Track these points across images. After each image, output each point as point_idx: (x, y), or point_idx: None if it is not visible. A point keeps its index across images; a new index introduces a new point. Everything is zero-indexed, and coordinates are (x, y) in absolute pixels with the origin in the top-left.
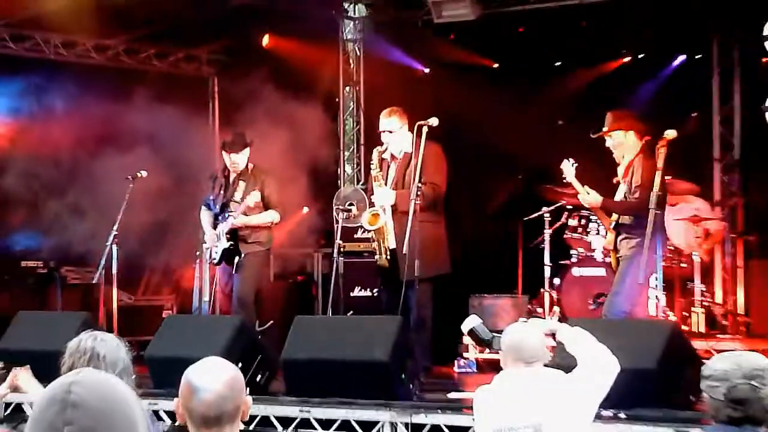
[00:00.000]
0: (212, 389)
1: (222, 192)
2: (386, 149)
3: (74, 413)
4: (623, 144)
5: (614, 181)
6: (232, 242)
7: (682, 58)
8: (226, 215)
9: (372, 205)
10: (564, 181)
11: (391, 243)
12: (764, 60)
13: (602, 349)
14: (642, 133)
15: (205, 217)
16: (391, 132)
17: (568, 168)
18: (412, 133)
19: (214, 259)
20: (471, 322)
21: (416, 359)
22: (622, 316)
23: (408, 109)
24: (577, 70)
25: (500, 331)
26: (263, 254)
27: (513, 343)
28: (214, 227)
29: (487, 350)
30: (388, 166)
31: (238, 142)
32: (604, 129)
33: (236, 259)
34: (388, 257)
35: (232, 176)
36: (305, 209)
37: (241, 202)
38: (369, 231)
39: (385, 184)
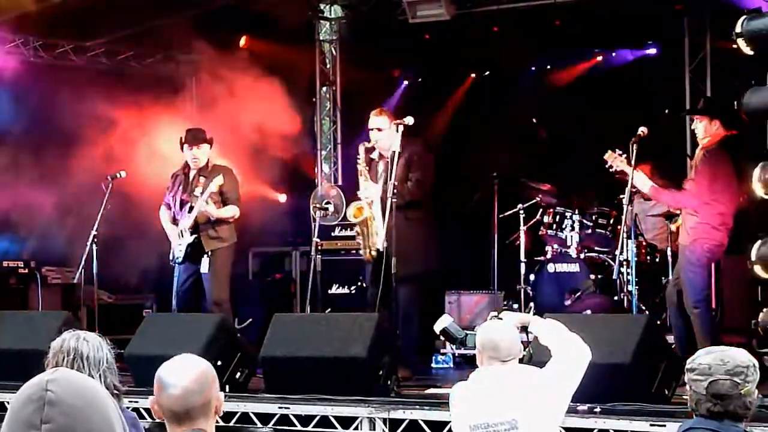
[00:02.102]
0: (179, 384)
1: (181, 188)
2: (373, 146)
3: (51, 411)
4: (705, 130)
5: (690, 164)
6: (196, 236)
7: (653, 51)
8: (187, 210)
9: (358, 199)
10: (612, 171)
11: (379, 242)
12: (732, 46)
13: (574, 338)
14: (729, 125)
15: (165, 216)
16: (380, 130)
17: (614, 159)
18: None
19: (178, 258)
20: (443, 321)
21: (396, 355)
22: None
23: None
24: (551, 69)
25: (474, 328)
26: (228, 251)
27: (487, 342)
28: (175, 225)
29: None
30: (377, 165)
31: (198, 137)
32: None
33: (203, 258)
34: (374, 254)
35: (192, 173)
36: (283, 197)
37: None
38: (353, 224)
39: (375, 182)
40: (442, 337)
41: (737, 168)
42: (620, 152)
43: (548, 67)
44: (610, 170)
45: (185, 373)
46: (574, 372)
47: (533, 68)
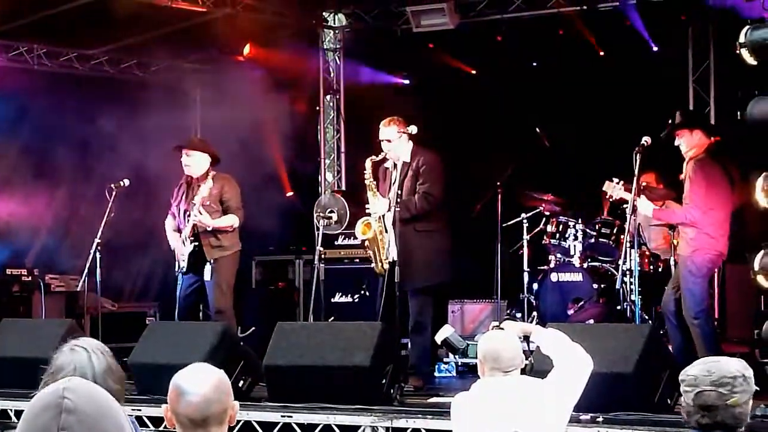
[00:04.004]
0: (198, 392)
1: (183, 197)
2: (383, 158)
3: (69, 418)
4: (688, 143)
5: (680, 177)
6: (196, 243)
7: (657, 60)
8: (187, 218)
9: (367, 214)
10: (611, 200)
11: (392, 253)
12: (736, 48)
13: (576, 349)
14: (711, 133)
15: (170, 225)
16: (389, 141)
17: (613, 188)
18: (412, 142)
19: (183, 268)
20: (444, 332)
21: (403, 364)
22: (698, 313)
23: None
24: (554, 77)
25: (476, 338)
26: (231, 259)
27: (489, 352)
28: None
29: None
30: (391, 175)
31: (190, 143)
32: (673, 128)
33: (206, 266)
34: (385, 267)
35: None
36: (290, 194)
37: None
38: (362, 241)
39: (388, 193)
40: (443, 347)
41: (727, 173)
42: (617, 180)
43: (551, 75)
44: (610, 200)
45: (204, 381)
46: (576, 382)
47: (536, 77)
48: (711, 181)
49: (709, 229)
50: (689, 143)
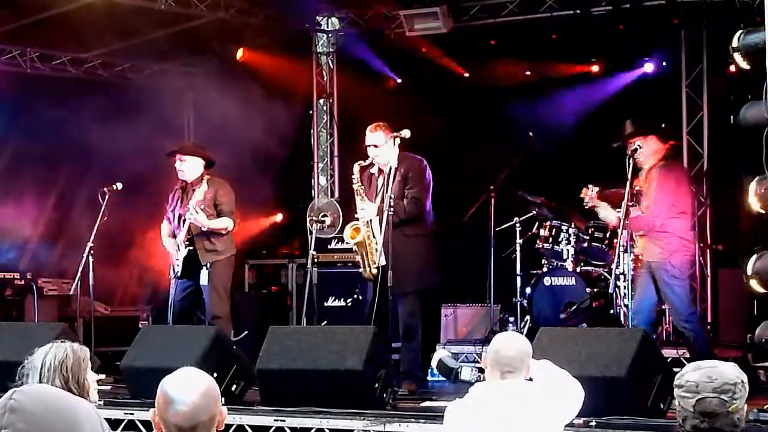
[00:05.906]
0: (187, 400)
1: (178, 202)
2: (370, 163)
3: (12, 417)
4: (643, 151)
5: (638, 188)
6: (191, 247)
7: (650, 64)
8: (182, 223)
9: (355, 219)
10: (586, 207)
11: (380, 258)
12: (731, 69)
13: (566, 382)
14: (664, 137)
15: (165, 230)
16: (376, 146)
17: (587, 195)
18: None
19: (177, 273)
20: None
21: (393, 369)
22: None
23: (382, 121)
24: (547, 81)
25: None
26: (226, 263)
27: (492, 347)
28: (174, 239)
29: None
30: (377, 180)
31: (184, 150)
32: (626, 137)
33: (202, 271)
34: (373, 271)
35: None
36: (279, 216)
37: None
38: (351, 245)
39: (374, 198)
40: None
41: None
42: (592, 187)
43: (545, 80)
44: (585, 207)
45: (193, 388)
46: (568, 412)
47: (529, 81)
48: (679, 185)
49: (683, 233)
50: (644, 151)
